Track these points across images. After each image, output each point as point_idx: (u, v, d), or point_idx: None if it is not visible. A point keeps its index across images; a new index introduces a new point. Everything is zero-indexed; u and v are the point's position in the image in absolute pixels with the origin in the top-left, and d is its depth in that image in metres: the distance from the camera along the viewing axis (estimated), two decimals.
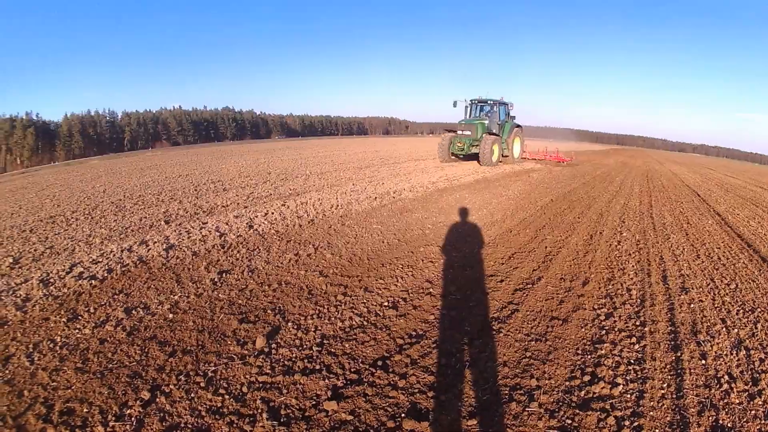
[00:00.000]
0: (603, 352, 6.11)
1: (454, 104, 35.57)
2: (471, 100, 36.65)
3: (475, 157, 35.69)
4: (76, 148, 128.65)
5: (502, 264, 9.63)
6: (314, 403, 5.04)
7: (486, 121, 34.71)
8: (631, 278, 8.95)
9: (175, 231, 12.78)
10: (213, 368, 5.76)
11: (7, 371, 6.18)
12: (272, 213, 14.89)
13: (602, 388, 5.29)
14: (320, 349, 6.13)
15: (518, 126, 38.32)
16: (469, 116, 36.87)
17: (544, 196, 19.01)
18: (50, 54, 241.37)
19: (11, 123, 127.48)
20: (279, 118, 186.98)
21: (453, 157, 36.70)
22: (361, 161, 37.65)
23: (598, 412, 4.90)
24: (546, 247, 10.96)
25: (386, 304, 7.57)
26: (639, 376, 5.57)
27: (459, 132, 35.14)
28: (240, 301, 7.81)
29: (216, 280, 8.75)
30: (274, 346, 6.24)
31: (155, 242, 11.54)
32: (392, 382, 5.39)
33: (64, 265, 9.94)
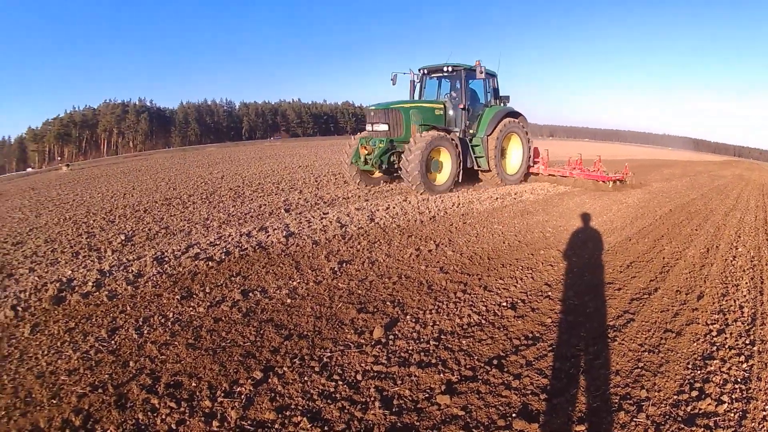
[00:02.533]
0: (712, 368, 5.84)
1: (393, 80, 21.39)
2: (421, 70, 21.48)
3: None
4: (192, 135, 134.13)
5: (620, 272, 9.34)
6: (427, 396, 5.00)
7: (442, 106, 20.48)
8: (744, 295, 8.50)
9: (295, 219, 13.14)
10: (329, 354, 5.81)
11: (113, 342, 6.43)
12: (393, 207, 15.03)
13: (708, 405, 5.07)
14: (437, 343, 6.16)
15: (513, 114, 21.95)
16: (419, 97, 21.67)
17: (663, 206, 18.18)
18: (167, 44, 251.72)
19: (123, 107, 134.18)
20: None
21: (379, 176, 21.17)
22: None
23: (702, 429, 4.68)
24: (663, 258, 10.52)
25: (505, 304, 7.48)
26: (744, 396, 5.29)
27: (369, 127, 19.86)
28: (359, 292, 7.89)
29: (336, 269, 8.91)
30: (391, 337, 6.25)
31: (275, 229, 11.86)
32: (506, 382, 5.30)
33: (179, 246, 10.34)
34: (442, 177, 19.17)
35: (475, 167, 20.78)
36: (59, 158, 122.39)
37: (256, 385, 5.18)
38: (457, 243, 11.02)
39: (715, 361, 6.01)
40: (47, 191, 29.23)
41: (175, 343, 6.27)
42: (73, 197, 22.06)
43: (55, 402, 5.52)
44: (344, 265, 9.17)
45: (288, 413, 4.72)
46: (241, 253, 9.81)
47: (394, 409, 4.76)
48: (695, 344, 6.49)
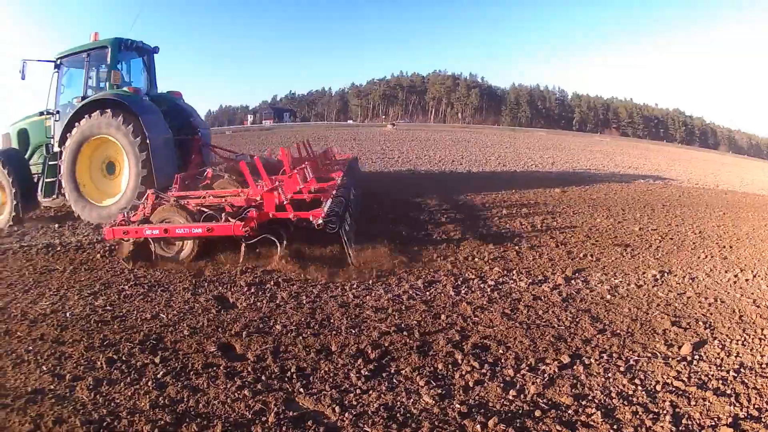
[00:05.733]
0: None
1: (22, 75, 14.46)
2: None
3: None
4: (523, 117, 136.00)
5: None
6: (713, 424, 4.80)
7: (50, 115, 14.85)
8: None
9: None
10: (636, 357, 5.78)
11: (427, 293, 6.89)
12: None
13: None
14: (736, 375, 5.86)
15: (101, 105, 13.26)
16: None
17: None
18: (500, 25, 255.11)
19: (454, 80, 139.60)
20: (727, 131, 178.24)
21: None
22: None
23: None
24: None
25: None
26: None
27: None
28: (676, 305, 7.73)
29: (658, 277, 8.85)
30: (696, 357, 6.06)
31: None
32: None
33: None
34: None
35: (43, 197, 14.41)
36: (383, 116, 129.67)
37: (561, 369, 5.29)
38: None
39: None
40: (370, 144, 31.01)
41: (491, 309, 6.61)
42: (398, 155, 23.24)
43: (354, 332, 5.98)
44: (666, 275, 9.05)
45: (584, 402, 4.77)
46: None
47: (680, 428, 4.66)
48: None
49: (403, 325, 6.13)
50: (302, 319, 6.64)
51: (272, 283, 8.04)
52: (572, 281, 7.95)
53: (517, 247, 10.08)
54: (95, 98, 13.40)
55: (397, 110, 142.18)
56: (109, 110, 12.88)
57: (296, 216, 9.19)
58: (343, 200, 10.10)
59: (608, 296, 7.57)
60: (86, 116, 12.99)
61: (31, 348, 6.27)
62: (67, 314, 7.34)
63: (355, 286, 7.59)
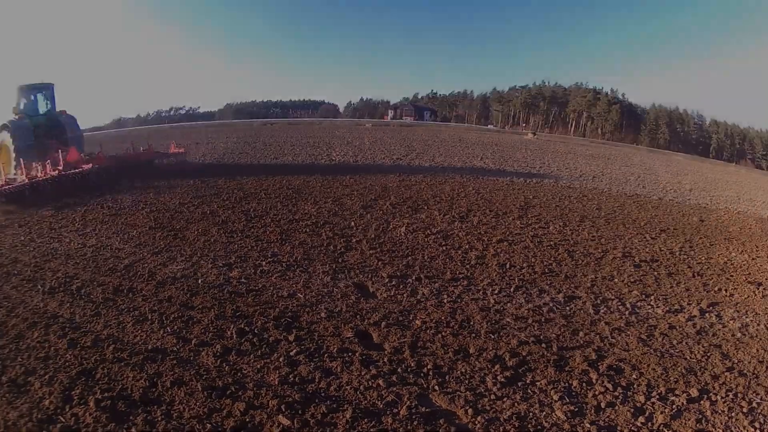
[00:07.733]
0: None
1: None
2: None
3: None
4: (661, 138, 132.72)
5: None
6: None
7: None
8: None
9: None
10: (758, 400, 5.72)
11: (567, 308, 7.22)
12: None
13: None
14: None
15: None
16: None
17: None
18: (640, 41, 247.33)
19: (594, 94, 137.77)
20: None
21: None
22: None
23: None
24: None
25: None
26: None
27: None
28: None
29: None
30: None
31: None
32: None
33: None
34: None
35: None
36: (523, 124, 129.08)
37: (689, 402, 5.35)
38: None
39: None
40: (511, 152, 30.94)
41: (629, 332, 6.74)
42: (539, 165, 23.13)
43: (492, 337, 6.22)
44: None
45: None
46: None
47: None
48: None
49: (542, 337, 6.36)
50: (442, 318, 6.89)
51: (414, 278, 8.29)
52: (706, 314, 7.88)
53: (655, 273, 9.99)
54: (5, 122, 22.66)
55: (537, 119, 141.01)
56: (9, 130, 22.31)
57: None
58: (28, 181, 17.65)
59: (739, 334, 7.46)
60: (3, 131, 22.48)
61: (156, 308, 6.94)
62: (199, 281, 8.02)
63: (496, 291, 7.77)
